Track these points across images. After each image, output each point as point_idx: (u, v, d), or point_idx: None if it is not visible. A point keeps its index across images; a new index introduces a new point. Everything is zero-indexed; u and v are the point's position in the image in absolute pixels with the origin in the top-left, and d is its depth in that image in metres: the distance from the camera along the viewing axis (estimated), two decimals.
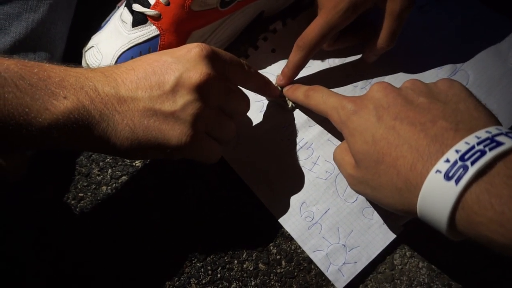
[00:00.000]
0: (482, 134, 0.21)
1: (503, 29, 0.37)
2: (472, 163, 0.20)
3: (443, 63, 0.36)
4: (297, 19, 0.39)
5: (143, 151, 0.26)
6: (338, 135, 0.35)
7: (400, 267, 0.31)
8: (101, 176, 0.35)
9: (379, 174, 0.24)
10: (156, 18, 0.33)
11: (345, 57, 0.37)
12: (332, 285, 0.30)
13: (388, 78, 0.36)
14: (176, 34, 0.33)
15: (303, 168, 0.34)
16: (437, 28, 0.38)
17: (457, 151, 0.21)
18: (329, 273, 0.30)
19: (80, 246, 0.33)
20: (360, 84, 0.36)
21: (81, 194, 0.35)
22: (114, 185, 0.35)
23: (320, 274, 0.31)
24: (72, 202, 0.35)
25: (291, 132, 0.35)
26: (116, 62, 0.33)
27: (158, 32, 0.33)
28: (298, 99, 0.33)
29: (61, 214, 0.34)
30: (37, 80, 0.23)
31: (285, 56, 0.38)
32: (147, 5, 0.33)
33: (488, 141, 0.20)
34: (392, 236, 0.31)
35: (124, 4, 0.34)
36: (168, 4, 0.32)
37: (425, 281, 0.30)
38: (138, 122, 0.25)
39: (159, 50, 0.33)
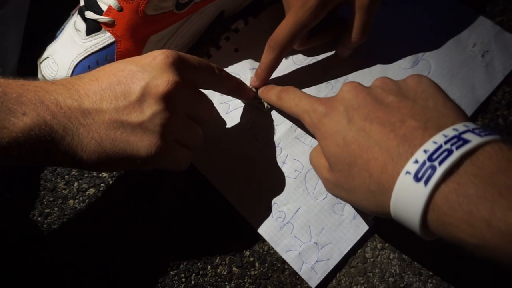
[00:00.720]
0: (449, 132, 0.21)
1: (463, 18, 0.38)
2: (440, 163, 0.20)
3: (405, 54, 0.37)
4: (259, 17, 0.39)
5: (111, 164, 0.25)
6: (306, 132, 0.35)
7: (372, 260, 0.31)
8: (68, 190, 0.35)
9: (352, 177, 0.24)
10: (110, 25, 0.32)
11: (318, 55, 0.37)
12: (306, 283, 0.30)
13: (356, 75, 0.36)
14: (132, 40, 0.32)
15: (272, 168, 0.33)
16: (398, 20, 0.38)
17: (425, 151, 0.20)
18: (303, 272, 0.30)
19: (49, 263, 0.32)
20: (332, 82, 0.36)
21: (47, 210, 0.34)
22: (81, 198, 0.34)
23: (294, 273, 0.31)
24: (39, 218, 0.34)
25: (259, 132, 0.35)
26: (73, 72, 0.32)
27: (113, 39, 0.32)
28: (271, 101, 0.33)
29: (27, 231, 0.33)
30: None
31: (249, 55, 0.37)
32: (100, 12, 0.32)
33: (455, 139, 0.20)
34: (363, 230, 0.31)
35: (77, 12, 0.33)
36: (121, 9, 0.31)
37: (396, 272, 0.31)
38: (105, 134, 0.24)
39: (117, 57, 0.33)
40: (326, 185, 0.27)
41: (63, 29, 0.34)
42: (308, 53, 0.37)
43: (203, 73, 0.28)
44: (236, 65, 0.37)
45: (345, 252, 0.30)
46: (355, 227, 0.31)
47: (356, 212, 0.32)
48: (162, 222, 0.33)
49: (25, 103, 0.22)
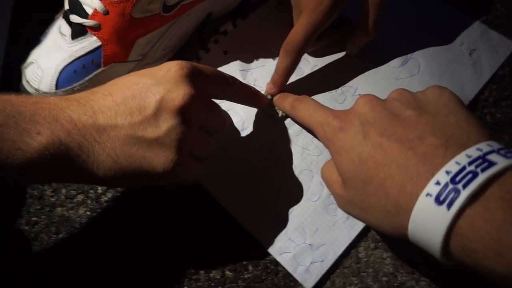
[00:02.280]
0: (473, 152, 0.20)
1: (449, 17, 0.38)
2: (464, 186, 0.19)
3: (395, 53, 0.37)
4: (248, 19, 0.39)
5: (127, 180, 0.24)
6: (301, 135, 0.35)
7: (365, 259, 0.31)
8: (55, 197, 0.34)
9: (367, 195, 0.23)
10: (95, 29, 0.31)
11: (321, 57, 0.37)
12: (301, 285, 0.30)
13: (346, 75, 0.36)
14: (119, 44, 0.32)
15: (264, 171, 0.33)
16: (387, 20, 0.38)
17: (447, 172, 0.19)
18: (298, 274, 0.30)
19: (38, 272, 0.31)
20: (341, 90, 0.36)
21: (34, 218, 0.33)
22: (69, 205, 0.34)
23: (288, 275, 0.31)
24: (26, 227, 0.33)
25: (251, 134, 0.35)
26: (59, 77, 0.32)
27: (100, 43, 0.32)
28: (285, 110, 0.32)
29: (14, 241, 0.32)
30: (5, 117, 0.21)
31: (238, 58, 0.37)
32: (85, 16, 0.31)
33: (480, 161, 0.19)
34: (356, 230, 0.31)
35: (61, 16, 0.33)
36: (106, 13, 0.31)
37: (390, 271, 0.31)
38: (120, 151, 0.23)
39: (103, 61, 0.32)
40: (338, 202, 0.26)
41: (47, 33, 0.34)
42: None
43: (217, 83, 0.28)
44: (225, 67, 0.37)
45: (339, 253, 0.30)
46: (349, 228, 0.31)
47: None
48: (153, 227, 0.33)
49: (39, 122, 0.22)
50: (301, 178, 0.33)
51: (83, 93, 0.25)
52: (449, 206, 0.19)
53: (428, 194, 0.20)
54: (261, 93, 0.33)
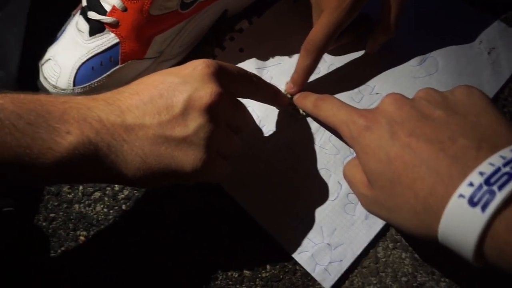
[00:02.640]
0: (508, 153, 0.19)
1: (468, 16, 0.38)
2: (500, 188, 0.18)
3: (413, 52, 0.36)
4: (263, 16, 0.39)
5: (156, 180, 0.24)
6: (318, 134, 0.34)
7: (384, 259, 0.31)
8: (72, 194, 0.34)
9: (394, 195, 0.23)
10: (114, 26, 0.31)
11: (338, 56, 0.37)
12: (319, 284, 0.30)
13: (364, 75, 0.36)
14: (137, 41, 0.32)
15: (284, 170, 0.33)
16: (405, 19, 0.37)
17: (481, 174, 0.19)
18: (316, 274, 0.30)
19: (55, 269, 0.31)
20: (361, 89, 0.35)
21: (52, 215, 0.33)
22: (86, 202, 0.34)
23: (306, 274, 0.31)
24: (44, 223, 0.33)
25: (271, 134, 0.34)
26: (76, 74, 0.32)
27: (117, 40, 0.31)
28: (307, 109, 0.32)
29: (32, 237, 0.32)
30: (36, 117, 0.21)
31: (254, 55, 0.37)
32: (103, 12, 0.31)
33: None
34: (375, 230, 0.31)
35: (79, 12, 0.33)
36: (125, 10, 0.30)
37: (409, 271, 0.31)
38: (149, 150, 0.23)
39: (121, 58, 0.32)
40: (362, 201, 0.26)
41: (64, 30, 0.34)
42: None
43: (242, 82, 0.28)
44: (241, 65, 0.37)
45: (358, 253, 0.30)
46: (368, 227, 0.31)
47: (368, 213, 0.31)
48: (169, 226, 0.32)
49: (69, 121, 0.22)
50: (319, 177, 0.33)
51: (110, 92, 0.25)
52: (484, 208, 0.18)
53: (460, 196, 0.19)
54: (282, 92, 0.33)
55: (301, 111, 0.34)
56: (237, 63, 0.37)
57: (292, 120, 0.34)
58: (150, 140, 0.23)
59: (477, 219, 0.19)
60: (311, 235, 0.31)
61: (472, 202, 0.19)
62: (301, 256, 0.30)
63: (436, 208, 0.21)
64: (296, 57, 0.37)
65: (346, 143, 0.33)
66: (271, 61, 0.37)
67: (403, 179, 0.22)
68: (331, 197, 0.32)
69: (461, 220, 0.19)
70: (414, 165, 0.22)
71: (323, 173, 0.33)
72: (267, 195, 0.32)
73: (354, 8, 0.30)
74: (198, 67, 0.25)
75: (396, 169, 0.22)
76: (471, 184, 0.19)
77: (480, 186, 0.19)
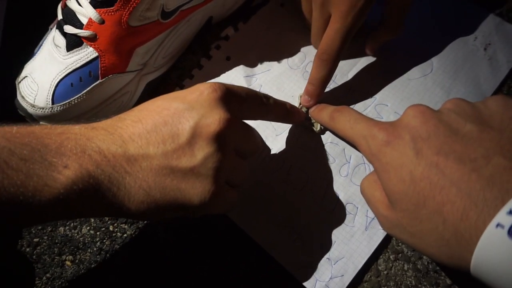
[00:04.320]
0: None
1: (461, 11, 0.36)
2: None
3: (405, 53, 0.35)
4: (249, 22, 0.37)
5: (161, 213, 0.23)
6: (308, 140, 0.33)
7: (385, 272, 0.30)
8: None
9: (420, 219, 0.21)
10: (91, 39, 0.30)
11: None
12: None
13: (358, 73, 0.35)
14: (117, 54, 0.30)
15: (277, 181, 0.31)
16: None
17: None
18: None
19: None
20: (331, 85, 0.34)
21: (36, 239, 0.32)
22: (72, 224, 0.32)
23: None
24: (28, 249, 0.31)
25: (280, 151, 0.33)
26: (55, 91, 0.30)
27: (96, 54, 0.30)
28: (324, 122, 0.30)
29: (15, 264, 0.31)
30: (30, 151, 0.20)
31: (242, 63, 0.36)
32: (80, 26, 0.29)
33: None
34: (376, 242, 0.29)
35: (55, 26, 0.31)
36: (102, 22, 0.29)
37: (412, 283, 0.29)
38: (153, 182, 0.22)
39: (101, 73, 0.30)
40: (382, 223, 0.24)
41: (41, 45, 0.32)
42: (303, 56, 0.36)
43: (252, 104, 0.26)
44: (229, 74, 0.35)
45: (359, 267, 0.29)
46: (368, 239, 0.29)
47: (368, 223, 0.30)
48: (164, 245, 0.31)
49: (66, 154, 0.20)
50: (314, 188, 0.31)
51: (110, 120, 0.23)
52: None
53: (498, 225, 0.17)
54: (297, 107, 0.31)
55: (318, 125, 0.32)
56: (224, 72, 0.35)
57: (308, 135, 0.32)
58: (155, 172, 0.22)
59: None
60: (309, 250, 0.29)
61: None
62: (300, 272, 0.29)
63: (468, 236, 0.18)
64: (285, 62, 0.36)
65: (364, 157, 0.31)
66: (260, 68, 0.36)
67: (430, 203, 0.20)
68: (328, 208, 0.30)
69: (499, 253, 0.17)
70: (442, 187, 0.20)
71: (318, 184, 0.31)
72: (261, 211, 0.31)
73: (367, 8, 0.28)
74: (205, 91, 0.23)
75: (421, 190, 0.20)
76: (510, 212, 0.17)
77: None
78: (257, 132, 0.27)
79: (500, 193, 0.18)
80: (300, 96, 0.32)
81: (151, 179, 0.21)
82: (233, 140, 0.24)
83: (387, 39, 0.32)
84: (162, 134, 0.22)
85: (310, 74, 0.31)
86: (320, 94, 0.31)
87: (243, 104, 0.25)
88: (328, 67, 0.30)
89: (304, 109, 0.32)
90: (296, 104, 0.32)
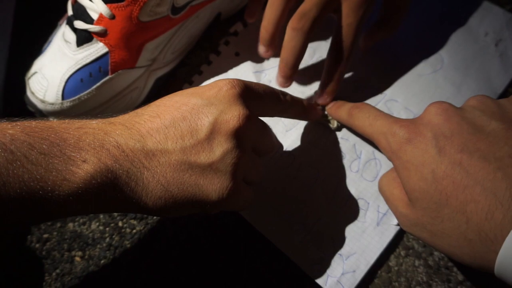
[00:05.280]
0: None
1: (471, 7, 0.36)
2: None
3: (415, 48, 0.35)
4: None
5: (178, 209, 0.22)
6: (315, 137, 0.33)
7: (396, 268, 0.29)
8: None
9: (441, 218, 0.20)
10: (102, 35, 0.29)
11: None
12: None
13: (367, 70, 0.34)
14: (127, 49, 0.30)
15: (287, 177, 0.31)
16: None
17: None
18: (328, 287, 0.28)
19: None
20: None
21: (46, 235, 0.32)
22: (81, 219, 0.32)
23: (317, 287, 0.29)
24: (37, 245, 0.31)
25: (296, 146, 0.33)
26: (65, 86, 0.30)
27: (107, 49, 0.30)
28: (342, 119, 0.30)
29: (25, 261, 0.31)
30: (49, 146, 0.20)
31: (251, 58, 0.36)
32: (90, 21, 0.29)
33: None
34: (388, 237, 0.29)
35: (65, 22, 0.31)
36: (113, 17, 0.29)
37: (423, 280, 0.29)
38: (172, 178, 0.21)
39: (111, 68, 0.30)
40: (401, 221, 0.24)
41: (51, 41, 0.32)
42: (312, 52, 0.35)
43: (269, 101, 0.26)
44: (238, 70, 0.35)
45: (372, 262, 0.28)
46: (380, 234, 0.29)
47: (379, 218, 0.30)
48: (172, 240, 0.31)
49: (85, 149, 0.20)
50: (326, 183, 0.31)
51: (128, 115, 0.23)
52: None
53: None
54: (313, 104, 0.31)
55: (335, 122, 0.32)
56: (233, 68, 0.35)
57: (326, 132, 0.32)
58: (173, 167, 0.21)
59: None
60: (321, 246, 0.29)
61: None
62: (311, 269, 0.29)
63: (493, 236, 0.18)
64: None
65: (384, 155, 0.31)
66: (269, 63, 0.36)
67: (452, 201, 0.20)
68: (339, 204, 0.30)
69: None
70: (466, 186, 0.19)
71: (329, 180, 0.31)
72: (272, 207, 0.31)
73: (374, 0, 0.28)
74: (223, 88, 0.23)
75: (444, 189, 0.20)
76: None
77: None
78: (273, 132, 0.27)
79: None
80: (315, 93, 0.32)
81: (170, 175, 0.21)
82: (251, 137, 0.24)
83: (382, 38, 0.32)
84: (181, 129, 0.22)
85: (324, 71, 0.31)
86: (335, 90, 0.31)
87: (261, 101, 0.25)
88: (344, 64, 0.30)
89: (320, 106, 0.32)
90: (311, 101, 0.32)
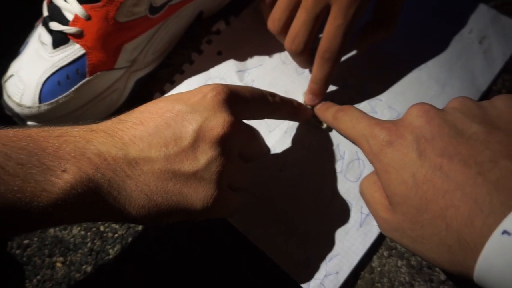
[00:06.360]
0: None
1: (455, 4, 0.36)
2: None
3: (398, 46, 0.34)
4: (241, 16, 0.36)
5: (162, 218, 0.22)
6: (300, 134, 0.32)
7: (379, 269, 0.29)
8: None
9: (421, 224, 0.20)
10: (78, 36, 0.29)
11: None
12: None
13: (352, 67, 0.34)
14: (104, 51, 0.30)
15: (270, 178, 0.31)
16: None
17: None
18: None
19: None
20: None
21: (26, 241, 0.31)
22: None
23: None
24: (17, 251, 0.31)
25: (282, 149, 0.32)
26: (42, 89, 0.30)
27: (83, 51, 0.29)
28: (327, 121, 0.30)
29: (5, 267, 0.30)
30: (27, 155, 0.19)
31: (233, 57, 0.35)
32: (66, 22, 0.29)
33: None
34: (371, 238, 0.29)
35: (41, 24, 0.30)
36: (89, 18, 0.28)
37: (406, 280, 0.29)
38: (155, 187, 0.21)
39: (88, 70, 0.30)
40: (382, 226, 0.23)
41: (27, 43, 0.31)
42: None
43: (257, 104, 0.25)
44: (220, 68, 0.35)
45: (355, 263, 0.28)
46: (363, 235, 0.29)
47: (362, 219, 0.29)
48: (155, 241, 0.31)
49: (64, 158, 0.19)
50: (309, 184, 0.31)
51: (110, 122, 0.22)
52: None
53: (505, 232, 0.17)
54: (304, 105, 0.31)
55: (324, 123, 0.32)
56: (215, 67, 0.35)
57: (314, 132, 0.32)
58: (157, 176, 0.21)
59: None
60: (305, 247, 0.29)
61: None
62: (295, 270, 0.29)
63: (472, 243, 0.18)
64: (278, 57, 0.35)
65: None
66: (252, 62, 0.35)
67: (432, 207, 0.19)
68: (323, 205, 0.30)
69: (505, 261, 0.16)
70: (446, 191, 0.19)
71: (312, 180, 0.31)
72: (255, 209, 0.30)
73: (367, 2, 0.27)
74: (208, 94, 0.22)
75: (424, 194, 0.20)
76: None
77: None
78: (261, 135, 0.27)
79: (507, 199, 0.17)
80: (304, 94, 0.32)
81: (153, 183, 0.21)
82: (237, 144, 0.23)
83: (379, 38, 0.32)
84: (165, 137, 0.21)
85: (312, 73, 0.31)
86: (323, 92, 0.31)
87: (247, 104, 0.24)
88: (331, 65, 0.29)
89: (309, 107, 0.32)
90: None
